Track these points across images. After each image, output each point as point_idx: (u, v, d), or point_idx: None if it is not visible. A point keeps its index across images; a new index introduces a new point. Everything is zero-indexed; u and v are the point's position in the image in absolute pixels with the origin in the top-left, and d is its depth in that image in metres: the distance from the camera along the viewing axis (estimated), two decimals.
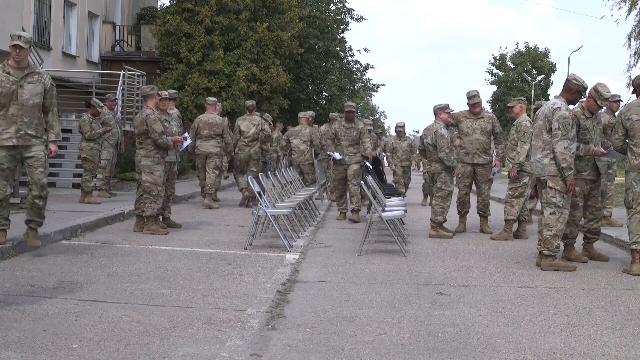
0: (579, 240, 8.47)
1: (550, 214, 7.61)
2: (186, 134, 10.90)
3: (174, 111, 12.32)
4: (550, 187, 7.61)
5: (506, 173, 11.21)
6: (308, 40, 29.49)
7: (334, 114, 15.60)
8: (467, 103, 10.66)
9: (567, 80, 7.76)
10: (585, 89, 7.71)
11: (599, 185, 8.27)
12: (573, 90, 7.68)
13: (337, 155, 11.94)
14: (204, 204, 13.32)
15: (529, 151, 9.80)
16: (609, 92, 7.91)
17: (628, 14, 27.25)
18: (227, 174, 19.33)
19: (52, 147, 7.38)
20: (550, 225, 7.61)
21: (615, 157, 8.09)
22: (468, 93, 10.70)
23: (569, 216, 7.92)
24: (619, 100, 10.58)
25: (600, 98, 7.83)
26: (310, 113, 15.22)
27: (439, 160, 10.22)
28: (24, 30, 16.14)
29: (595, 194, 8.26)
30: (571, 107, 7.82)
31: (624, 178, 8.09)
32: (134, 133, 10.03)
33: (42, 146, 7.24)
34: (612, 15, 74.75)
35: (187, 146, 11.57)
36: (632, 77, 28.57)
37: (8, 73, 7.11)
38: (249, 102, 14.39)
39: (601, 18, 68.48)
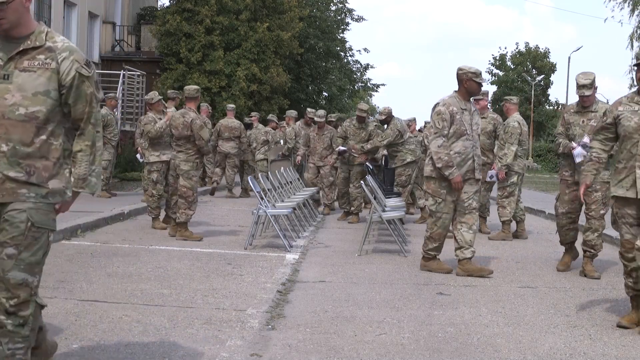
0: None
1: (429, 216, 7.30)
2: None
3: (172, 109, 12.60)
4: (424, 190, 7.30)
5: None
6: (308, 40, 29.51)
7: (311, 110, 14.96)
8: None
9: (456, 73, 7.22)
10: (475, 74, 7.11)
11: (595, 190, 7.21)
12: (462, 79, 7.14)
13: (342, 147, 11.85)
14: (227, 195, 15.99)
15: (517, 151, 9.76)
16: (587, 79, 7.23)
17: (631, 15, 27.23)
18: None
19: (61, 206, 3.51)
20: (427, 226, 7.35)
21: (581, 157, 7.11)
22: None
23: (565, 220, 7.44)
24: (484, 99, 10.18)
25: (577, 86, 7.34)
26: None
27: None
28: None
29: (588, 199, 7.23)
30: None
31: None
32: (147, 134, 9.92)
33: (33, 203, 3.36)
34: (613, 16, 74.90)
35: None
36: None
37: None
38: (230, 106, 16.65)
39: (605, 20, 68.19)
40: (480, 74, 7.27)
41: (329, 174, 12.84)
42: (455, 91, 7.28)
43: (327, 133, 13.04)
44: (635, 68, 5.45)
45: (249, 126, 16.92)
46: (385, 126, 12.10)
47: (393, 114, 11.88)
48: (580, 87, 7.28)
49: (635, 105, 5.39)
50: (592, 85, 7.27)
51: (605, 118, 5.60)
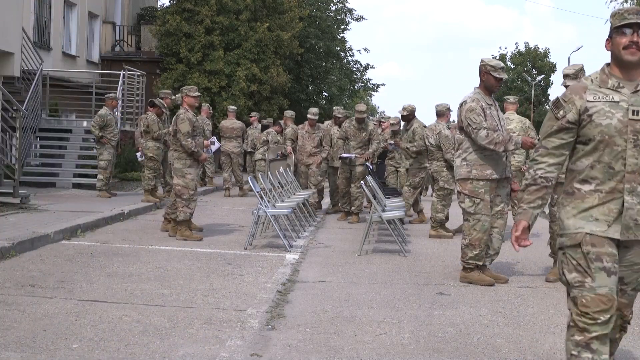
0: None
1: (465, 221, 6.84)
2: (214, 138, 11.09)
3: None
4: (459, 192, 6.81)
5: None
6: (308, 40, 29.50)
7: (314, 109, 14.77)
8: None
9: (479, 65, 6.85)
10: (494, 68, 6.74)
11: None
12: (481, 72, 6.81)
13: (345, 155, 11.85)
14: (239, 194, 16.25)
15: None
16: (572, 68, 6.91)
17: None
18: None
19: None
20: (464, 233, 6.80)
21: None
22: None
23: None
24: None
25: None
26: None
27: (440, 159, 10.27)
28: (24, 30, 16.13)
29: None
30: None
31: None
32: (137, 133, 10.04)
33: None
34: None
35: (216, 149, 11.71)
36: None
37: None
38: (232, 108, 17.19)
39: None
40: (501, 68, 6.82)
41: (316, 173, 12.97)
42: (477, 87, 6.93)
43: (318, 132, 13.07)
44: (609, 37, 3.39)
45: (265, 128, 17.03)
46: (403, 123, 12.02)
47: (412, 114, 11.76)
48: (563, 76, 6.86)
49: (613, 92, 3.32)
50: (576, 76, 6.68)
51: (561, 113, 3.38)
